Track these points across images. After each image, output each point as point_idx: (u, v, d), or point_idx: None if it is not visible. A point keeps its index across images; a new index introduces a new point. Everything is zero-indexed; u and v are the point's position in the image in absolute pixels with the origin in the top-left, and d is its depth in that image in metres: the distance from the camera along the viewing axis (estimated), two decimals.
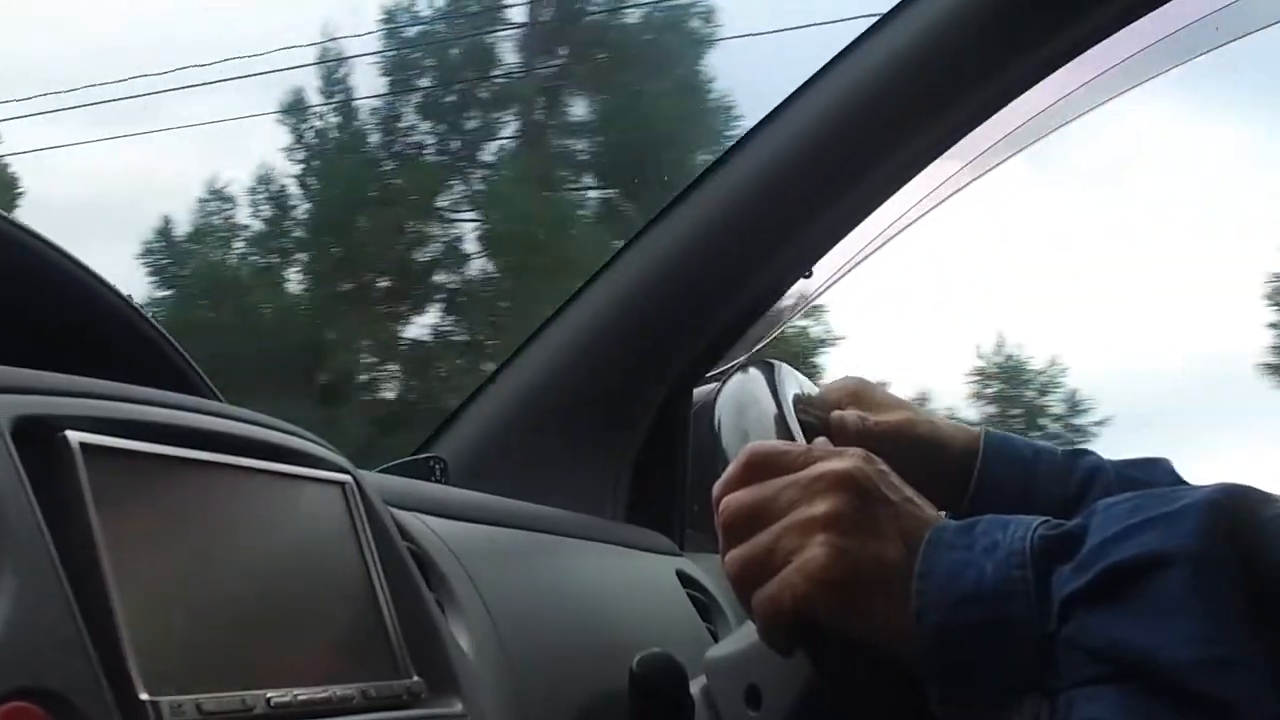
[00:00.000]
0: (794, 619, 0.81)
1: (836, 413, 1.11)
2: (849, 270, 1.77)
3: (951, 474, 1.12)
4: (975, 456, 1.12)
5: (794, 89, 1.50)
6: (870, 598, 0.80)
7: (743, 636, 0.90)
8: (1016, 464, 1.12)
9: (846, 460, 0.83)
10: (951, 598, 0.77)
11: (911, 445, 1.11)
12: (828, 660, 0.84)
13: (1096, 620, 0.73)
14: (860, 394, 1.14)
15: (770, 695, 0.88)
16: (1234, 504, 0.74)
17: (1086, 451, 1.14)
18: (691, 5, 7.22)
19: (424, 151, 7.31)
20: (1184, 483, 1.11)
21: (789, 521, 0.82)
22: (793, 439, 0.97)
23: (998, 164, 1.70)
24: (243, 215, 7.05)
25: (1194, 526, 0.73)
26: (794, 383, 1.10)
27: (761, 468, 0.85)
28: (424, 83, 7.31)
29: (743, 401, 1.01)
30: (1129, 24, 1.41)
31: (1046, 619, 0.75)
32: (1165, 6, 1.40)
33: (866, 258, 1.74)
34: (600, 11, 7.50)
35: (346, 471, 0.90)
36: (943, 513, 0.84)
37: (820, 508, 0.81)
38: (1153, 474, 1.12)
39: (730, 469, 0.87)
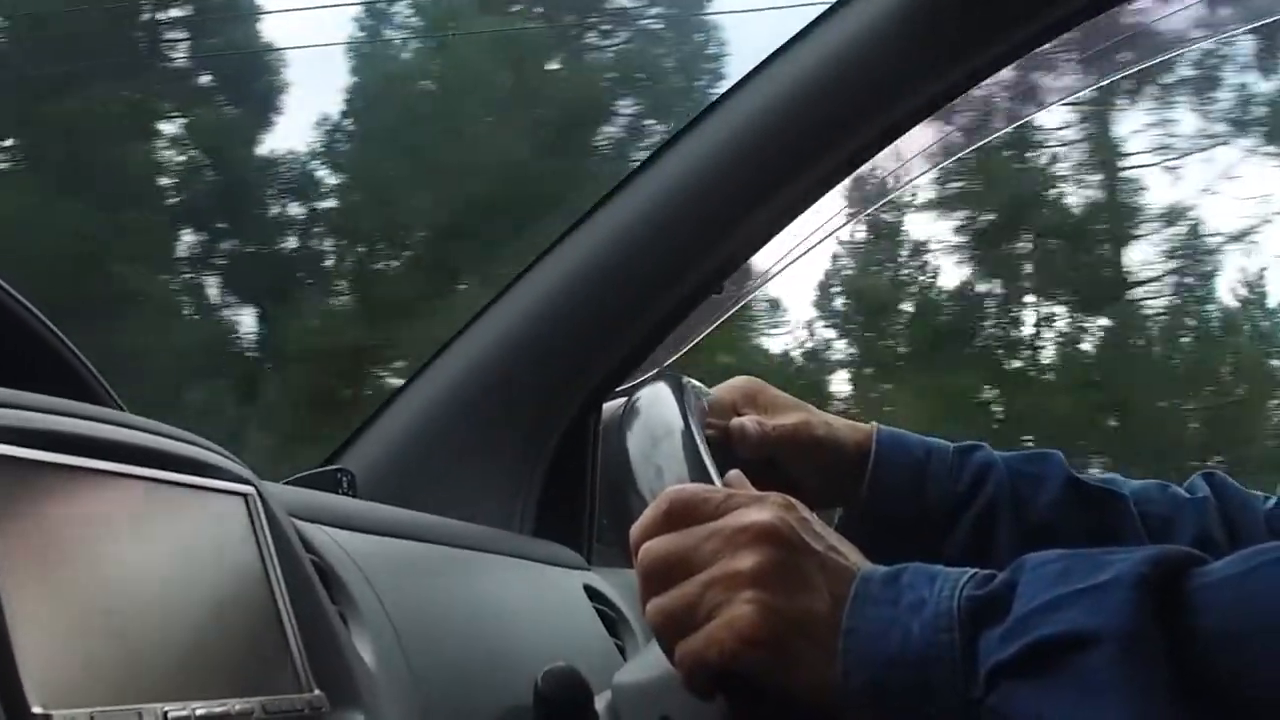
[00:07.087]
0: (720, 672, 0.81)
1: (736, 420, 1.11)
2: (760, 286, 1.78)
3: (847, 473, 1.12)
4: (869, 456, 1.12)
5: (704, 106, 1.51)
6: (798, 652, 0.80)
7: (654, 662, 0.89)
8: (908, 462, 1.12)
9: (768, 511, 0.83)
10: (878, 658, 0.77)
11: (809, 447, 1.11)
12: (750, 707, 0.84)
13: (1022, 693, 0.74)
14: (754, 395, 1.14)
15: None
16: (1163, 576, 0.74)
17: (978, 447, 1.14)
18: None
19: None
20: (1075, 476, 1.13)
21: (713, 574, 0.82)
22: (701, 458, 0.96)
23: (906, 184, 1.73)
24: None
25: (1122, 604, 0.72)
26: (699, 396, 1.10)
27: (681, 515, 0.85)
28: None
29: (653, 426, 1.01)
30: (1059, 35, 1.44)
31: (972, 685, 0.75)
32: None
33: (777, 274, 1.76)
34: None
35: (249, 483, 0.89)
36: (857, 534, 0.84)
37: (745, 562, 0.81)
38: (1044, 468, 1.13)
39: (648, 514, 0.86)
